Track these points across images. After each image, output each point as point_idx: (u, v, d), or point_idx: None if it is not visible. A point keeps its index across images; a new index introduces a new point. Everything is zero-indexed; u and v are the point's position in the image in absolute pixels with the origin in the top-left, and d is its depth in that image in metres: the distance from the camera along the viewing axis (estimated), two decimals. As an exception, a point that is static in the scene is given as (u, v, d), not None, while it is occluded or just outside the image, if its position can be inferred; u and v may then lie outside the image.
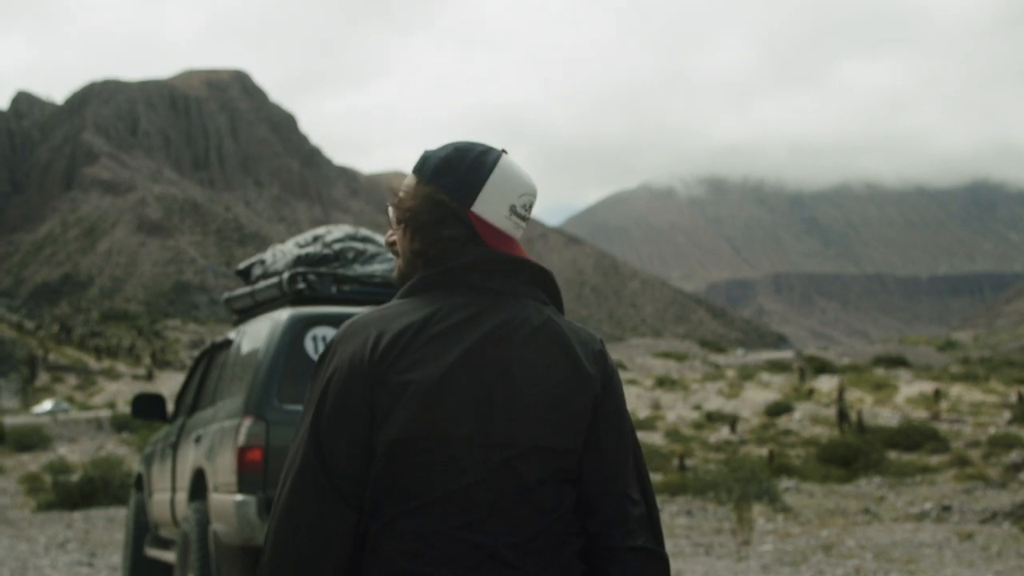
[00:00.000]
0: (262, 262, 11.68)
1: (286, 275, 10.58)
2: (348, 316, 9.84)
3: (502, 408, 3.23)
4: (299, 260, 10.93)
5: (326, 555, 3.19)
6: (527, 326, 3.31)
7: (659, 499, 26.94)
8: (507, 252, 3.35)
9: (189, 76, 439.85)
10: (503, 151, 3.47)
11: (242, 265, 12.03)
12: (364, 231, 11.70)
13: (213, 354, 12.04)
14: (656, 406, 68.33)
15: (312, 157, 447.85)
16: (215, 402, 10.83)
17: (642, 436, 53.65)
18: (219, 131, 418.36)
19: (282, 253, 11.41)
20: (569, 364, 3.31)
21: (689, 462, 41.03)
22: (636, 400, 70.69)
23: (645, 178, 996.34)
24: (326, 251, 11.07)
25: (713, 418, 60.96)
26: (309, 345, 9.97)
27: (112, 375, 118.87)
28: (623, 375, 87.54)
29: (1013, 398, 59.53)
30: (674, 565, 16.06)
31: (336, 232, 11.56)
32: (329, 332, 9.81)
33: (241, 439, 9.35)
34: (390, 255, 10.79)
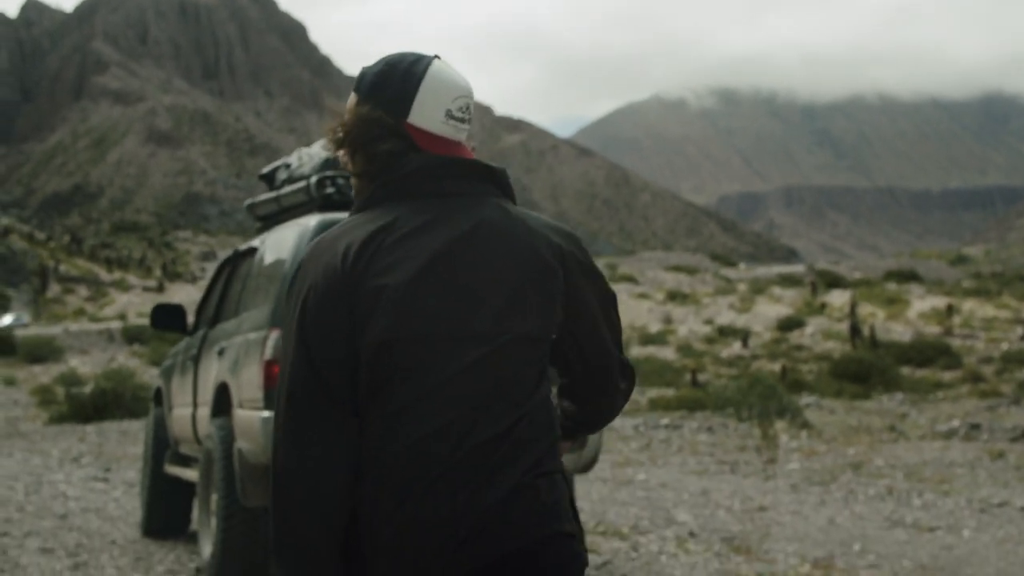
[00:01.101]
0: (287, 166, 11.05)
1: (314, 179, 9.98)
2: None
3: (474, 303, 3.33)
4: (327, 163, 10.14)
5: (335, 462, 3.28)
6: (488, 223, 3.40)
7: (675, 416, 26.85)
8: (449, 154, 3.43)
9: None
10: (436, 56, 3.51)
11: (265, 169, 11.44)
12: None
13: (236, 263, 11.44)
14: (667, 320, 68.29)
15: (323, 66, 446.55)
16: (239, 313, 10.34)
17: (653, 351, 53.64)
18: (229, 40, 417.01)
19: (309, 156, 10.71)
20: (532, 254, 3.40)
21: (702, 377, 41.00)
22: (648, 314, 70.60)
23: (656, 90, 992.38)
24: None
25: (725, 332, 60.96)
26: None
27: (123, 286, 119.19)
28: (634, 289, 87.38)
29: (1026, 314, 59.44)
30: (700, 483, 15.86)
31: None
32: None
33: (268, 352, 8.87)
34: None
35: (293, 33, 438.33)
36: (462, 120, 3.48)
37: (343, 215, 9.34)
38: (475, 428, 3.28)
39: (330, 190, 9.95)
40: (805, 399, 29.73)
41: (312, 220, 9.51)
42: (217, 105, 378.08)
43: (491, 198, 3.48)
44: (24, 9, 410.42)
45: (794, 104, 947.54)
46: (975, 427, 22.77)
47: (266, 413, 8.79)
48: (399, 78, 3.48)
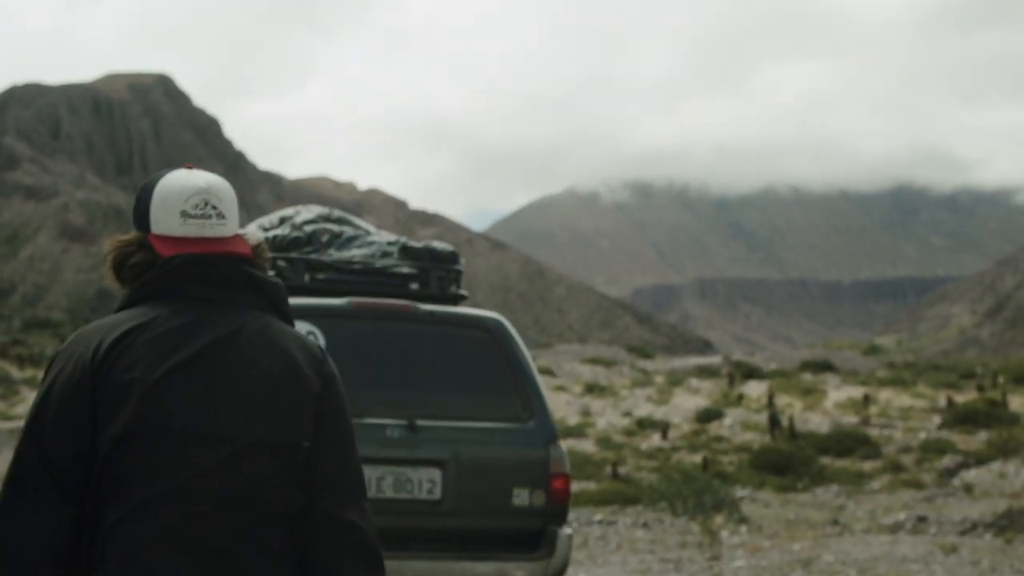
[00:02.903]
0: None
1: None
2: (325, 308, 9.27)
3: (222, 406, 3.39)
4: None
5: (41, 548, 3.29)
6: (246, 331, 3.51)
7: (607, 511, 26.49)
8: (200, 251, 3.53)
9: (112, 79, 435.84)
10: (185, 167, 3.68)
11: None
12: (338, 212, 10.77)
13: None
14: (586, 413, 67.95)
15: (237, 162, 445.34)
16: None
17: (573, 443, 53.35)
18: (142, 135, 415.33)
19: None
20: (286, 366, 3.51)
21: (622, 469, 40.79)
22: (565, 407, 70.32)
23: (570, 183, 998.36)
24: (296, 234, 10.05)
25: (644, 424, 60.70)
26: None
27: (35, 384, 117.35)
28: (551, 382, 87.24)
29: (942, 402, 59.72)
30: (648, 585, 15.49)
31: (306, 213, 10.57)
32: (305, 327, 8.95)
33: None
34: (370, 239, 10.18)
35: (207, 129, 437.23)
36: (204, 216, 3.57)
37: None
38: (215, 531, 3.32)
39: (270, 273, 9.53)
40: (739, 492, 29.52)
41: None
42: (130, 200, 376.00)
43: (256, 311, 3.60)
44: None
45: (707, 197, 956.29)
46: (922, 519, 22.55)
47: None
48: (140, 197, 3.67)
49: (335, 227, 10.33)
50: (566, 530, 9.41)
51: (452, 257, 10.31)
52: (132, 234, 3.67)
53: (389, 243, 10.25)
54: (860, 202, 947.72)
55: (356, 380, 9.38)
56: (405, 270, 10.11)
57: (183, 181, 3.62)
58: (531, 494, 9.29)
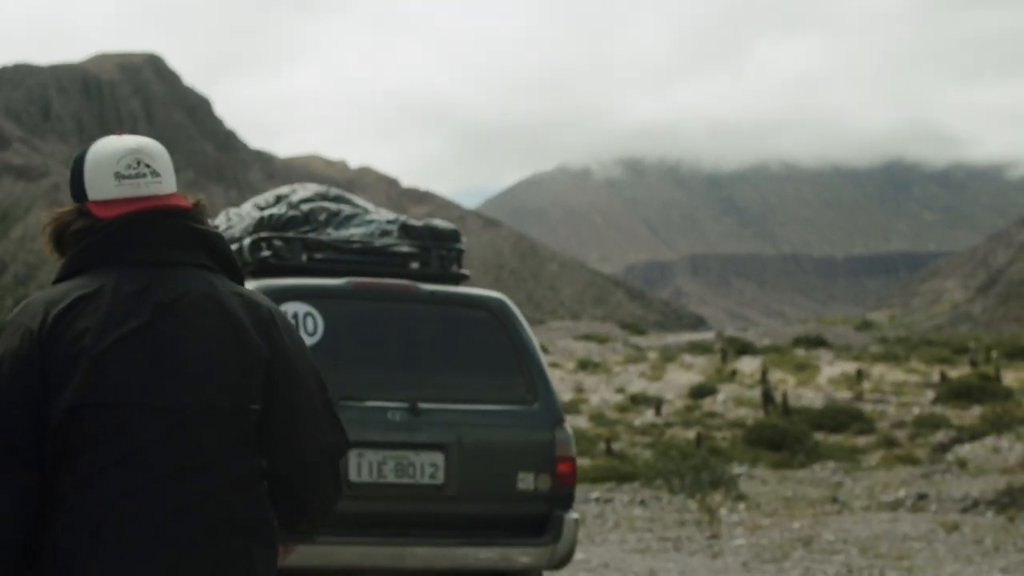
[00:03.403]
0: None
1: (247, 241, 9.41)
2: (324, 289, 9.04)
3: (170, 374, 3.42)
4: (261, 223, 9.56)
5: (7, 518, 3.31)
6: (191, 296, 3.51)
7: (604, 488, 26.41)
8: (139, 209, 3.54)
9: (101, 59, 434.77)
10: (115, 133, 3.69)
11: None
12: (336, 190, 10.44)
13: None
14: (579, 389, 68.00)
15: (227, 141, 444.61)
16: None
17: (567, 420, 53.16)
18: (133, 115, 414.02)
19: (239, 217, 10.05)
20: (233, 329, 3.52)
21: (616, 445, 40.77)
22: (559, 384, 70.19)
23: (562, 160, 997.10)
24: (293, 213, 9.69)
25: (637, 400, 60.81)
26: None
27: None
28: (545, 358, 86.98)
29: (935, 378, 59.74)
30: (645, 563, 15.39)
31: (303, 191, 10.21)
32: (303, 308, 8.83)
33: None
34: (369, 217, 9.88)
35: (198, 108, 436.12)
36: (138, 175, 3.58)
37: (282, 281, 8.99)
38: (166, 496, 3.36)
39: (266, 253, 9.38)
40: (736, 469, 29.41)
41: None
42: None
43: (202, 271, 3.59)
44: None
45: (699, 173, 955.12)
46: (922, 497, 22.36)
47: None
48: (73, 169, 3.69)
49: (333, 205, 10.04)
50: (572, 515, 9.22)
51: (453, 235, 10.11)
52: (67, 207, 3.66)
53: (388, 221, 10.00)
54: (852, 177, 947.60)
55: (356, 362, 9.09)
56: (405, 249, 9.86)
57: (113, 144, 3.64)
58: (536, 478, 9.11)
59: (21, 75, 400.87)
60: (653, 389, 65.80)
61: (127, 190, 3.58)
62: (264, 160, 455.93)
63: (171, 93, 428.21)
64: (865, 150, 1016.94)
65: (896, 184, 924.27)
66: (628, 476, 28.51)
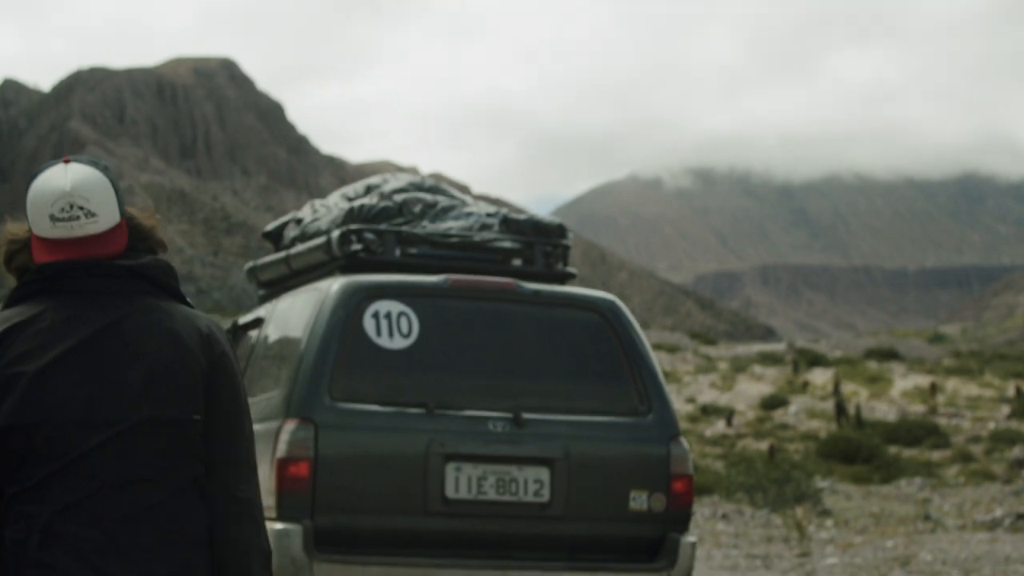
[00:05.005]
0: (298, 221, 9.83)
1: (336, 234, 8.82)
2: (419, 286, 8.50)
3: (108, 391, 3.62)
4: (351, 215, 8.96)
5: None
6: (131, 318, 3.70)
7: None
8: (64, 258, 3.72)
9: (176, 64, 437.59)
10: (63, 161, 3.83)
11: (271, 227, 10.31)
12: (431, 180, 9.83)
13: (235, 337, 10.02)
14: (650, 399, 67.56)
15: (300, 146, 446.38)
16: None
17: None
18: (206, 119, 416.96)
19: (326, 208, 9.52)
20: (173, 346, 3.70)
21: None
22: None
23: (632, 169, 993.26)
24: (385, 203, 9.09)
25: (708, 411, 60.36)
26: (370, 324, 8.17)
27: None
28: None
29: (1010, 392, 59.02)
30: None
31: (395, 181, 9.69)
32: (396, 307, 8.22)
33: (281, 449, 7.91)
34: (468, 209, 9.29)
35: (271, 112, 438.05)
36: (71, 219, 3.72)
37: (374, 277, 8.42)
38: (113, 506, 3.54)
39: (356, 246, 8.77)
40: (819, 483, 28.93)
41: (334, 284, 8.33)
42: (194, 184, 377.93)
43: (142, 296, 3.77)
44: (1, 89, 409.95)
45: (770, 183, 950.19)
46: (1021, 517, 21.75)
47: (279, 525, 7.76)
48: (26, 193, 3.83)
49: (428, 196, 9.48)
50: (689, 538, 8.68)
51: (559, 230, 9.55)
52: (22, 228, 3.89)
53: (488, 214, 9.41)
54: (925, 189, 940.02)
55: (454, 367, 8.54)
56: (507, 244, 9.27)
57: (50, 184, 3.74)
58: (650, 497, 8.55)
59: (97, 78, 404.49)
60: (724, 400, 65.34)
61: (61, 232, 3.73)
62: (336, 165, 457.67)
63: (244, 98, 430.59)
64: (939, 161, 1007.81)
65: (969, 196, 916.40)
66: (704, 488, 28.16)
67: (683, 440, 8.86)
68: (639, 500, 8.51)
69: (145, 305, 3.76)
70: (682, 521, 8.68)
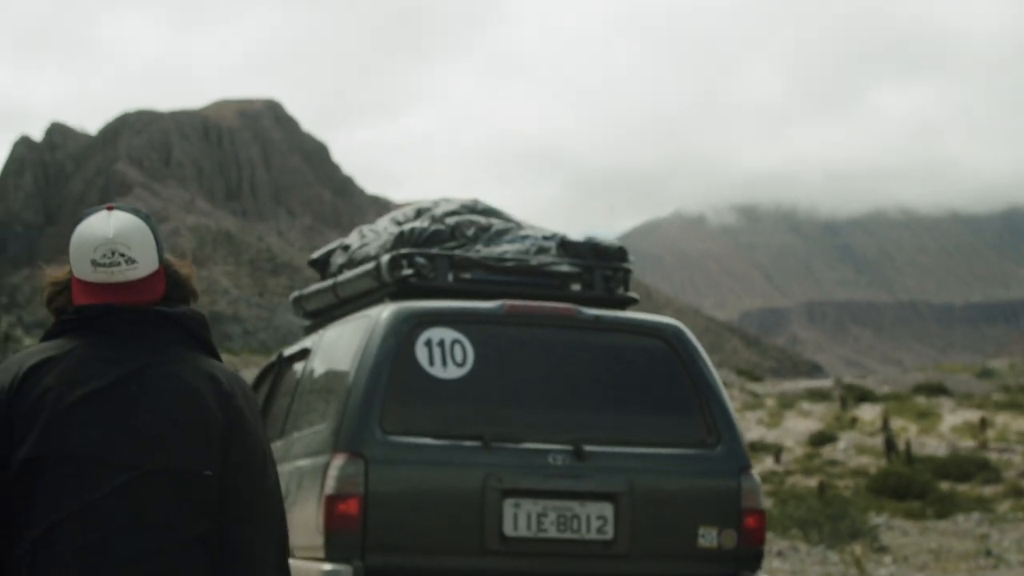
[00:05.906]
0: (345, 247, 9.45)
1: (385, 259, 8.44)
2: (474, 313, 8.14)
3: (124, 435, 3.69)
4: (401, 239, 8.58)
5: None
6: (155, 367, 3.79)
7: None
8: (101, 302, 3.84)
9: (221, 106, 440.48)
10: (105, 208, 3.98)
11: (317, 254, 9.92)
12: (484, 202, 9.40)
13: (281, 370, 9.81)
14: (697, 436, 67.41)
15: (344, 186, 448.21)
16: (287, 434, 8.82)
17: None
18: (251, 161, 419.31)
19: (375, 233, 9.15)
20: (191, 399, 3.77)
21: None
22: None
23: (677, 206, 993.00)
24: (437, 227, 8.71)
25: (756, 448, 60.12)
26: (422, 353, 7.84)
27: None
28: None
29: (1061, 427, 58.63)
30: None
31: (447, 204, 9.21)
32: (450, 335, 7.87)
33: (330, 485, 7.58)
34: (523, 232, 8.85)
35: (315, 154, 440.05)
36: (112, 264, 3.84)
37: (426, 303, 8.06)
38: (118, 549, 3.59)
39: (407, 271, 8.37)
40: (874, 519, 28.64)
41: (384, 311, 7.98)
42: (239, 225, 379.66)
43: (173, 345, 3.90)
44: (49, 132, 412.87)
45: (815, 219, 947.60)
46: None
47: (328, 566, 7.44)
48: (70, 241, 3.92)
49: (482, 219, 9.08)
50: None
51: (620, 253, 9.18)
52: (63, 271, 4.03)
53: (545, 237, 9.00)
54: (971, 224, 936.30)
55: (511, 397, 8.19)
56: (565, 268, 8.85)
57: (93, 230, 3.88)
58: (720, 533, 8.12)
59: (143, 121, 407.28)
60: (772, 436, 65.11)
61: (102, 277, 3.85)
62: (380, 205, 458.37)
63: (289, 139, 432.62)
64: (984, 196, 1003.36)
65: (1016, 231, 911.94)
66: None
67: (754, 473, 8.41)
68: (708, 537, 8.11)
69: (172, 355, 3.85)
70: (754, 559, 8.26)
